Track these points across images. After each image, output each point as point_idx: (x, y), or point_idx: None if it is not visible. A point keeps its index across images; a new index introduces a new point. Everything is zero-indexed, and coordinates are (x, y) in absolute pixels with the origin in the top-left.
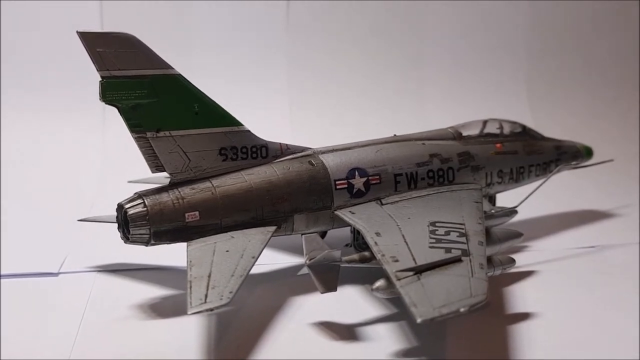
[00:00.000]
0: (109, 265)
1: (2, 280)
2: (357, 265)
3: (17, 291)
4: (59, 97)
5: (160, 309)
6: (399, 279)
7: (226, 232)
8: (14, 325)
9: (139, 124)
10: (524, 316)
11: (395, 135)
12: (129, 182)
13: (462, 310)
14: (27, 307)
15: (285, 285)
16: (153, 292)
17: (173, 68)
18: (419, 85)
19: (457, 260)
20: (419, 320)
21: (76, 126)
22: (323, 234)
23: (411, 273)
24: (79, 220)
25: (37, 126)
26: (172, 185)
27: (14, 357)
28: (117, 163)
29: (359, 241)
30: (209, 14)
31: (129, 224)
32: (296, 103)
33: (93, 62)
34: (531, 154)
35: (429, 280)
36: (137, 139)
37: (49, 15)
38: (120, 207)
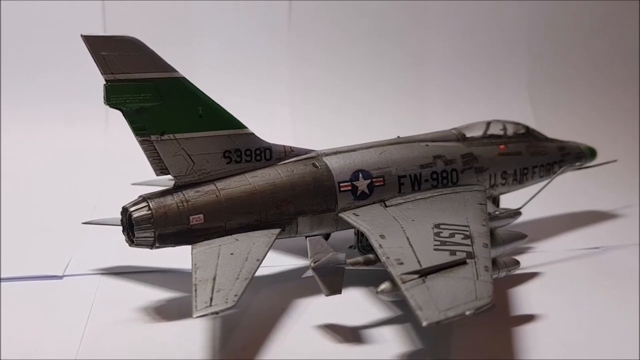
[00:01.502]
0: (114, 267)
1: (7, 283)
2: (362, 268)
3: (22, 294)
4: (62, 99)
5: (165, 312)
6: (404, 282)
7: (231, 234)
8: (19, 328)
9: (143, 127)
10: (529, 318)
11: (398, 137)
12: (132, 184)
13: (467, 313)
14: (32, 310)
15: (290, 287)
16: (158, 294)
17: (177, 71)
18: (422, 87)
19: (462, 262)
20: (424, 324)
21: (80, 128)
22: (327, 236)
23: (416, 276)
24: (83, 223)
25: (40, 129)
26: (177, 188)
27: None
28: (120, 165)
29: (363, 243)
30: (212, 17)
31: (134, 227)
32: (298, 105)
33: (97, 65)
34: (535, 155)
35: (434, 283)
36: (141, 142)
37: (52, 16)
38: (125, 210)
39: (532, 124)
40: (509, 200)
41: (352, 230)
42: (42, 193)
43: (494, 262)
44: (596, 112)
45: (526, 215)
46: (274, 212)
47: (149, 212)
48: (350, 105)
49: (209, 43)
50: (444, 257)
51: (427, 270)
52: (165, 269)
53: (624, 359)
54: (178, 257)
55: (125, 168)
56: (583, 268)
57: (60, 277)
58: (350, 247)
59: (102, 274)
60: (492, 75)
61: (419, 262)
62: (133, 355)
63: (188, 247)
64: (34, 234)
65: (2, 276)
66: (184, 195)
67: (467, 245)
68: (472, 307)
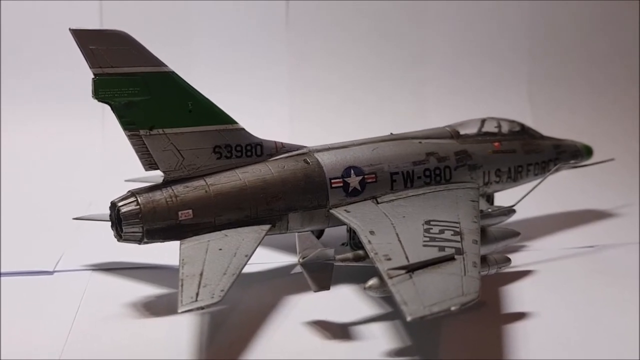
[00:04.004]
0: (104, 263)
1: None
2: (351, 264)
3: (13, 289)
4: (59, 96)
5: (154, 307)
6: (390, 277)
7: (220, 230)
8: (9, 322)
9: (132, 121)
10: (521, 316)
11: (391, 133)
12: (126, 180)
13: (453, 308)
14: (23, 305)
15: (279, 284)
16: (147, 290)
17: (166, 65)
18: (422, 87)
19: (450, 258)
20: (409, 319)
21: (75, 125)
22: (320, 233)
23: (403, 271)
24: (74, 219)
25: (36, 125)
26: (166, 184)
27: (8, 354)
28: (116, 162)
29: (355, 240)
30: (212, 17)
31: (122, 222)
32: (298, 104)
33: (86, 59)
34: (529, 153)
35: (421, 278)
36: (130, 137)
37: (49, 14)
38: (113, 205)
39: (531, 122)
40: (503, 198)
41: (346, 227)
42: (39, 191)
43: (484, 259)
44: (596, 112)
45: (521, 214)
46: (264, 208)
47: (137, 207)
48: (350, 105)
49: (209, 42)
50: (432, 253)
51: (414, 266)
52: (155, 265)
53: (619, 358)
54: (168, 253)
55: (122, 166)
56: (578, 266)
57: (51, 273)
58: (343, 244)
59: (93, 269)
60: (492, 75)
61: (407, 257)
62: (121, 350)
63: (178, 243)
64: (27, 230)
65: None
66: (173, 190)
67: (457, 241)
68: (458, 303)
